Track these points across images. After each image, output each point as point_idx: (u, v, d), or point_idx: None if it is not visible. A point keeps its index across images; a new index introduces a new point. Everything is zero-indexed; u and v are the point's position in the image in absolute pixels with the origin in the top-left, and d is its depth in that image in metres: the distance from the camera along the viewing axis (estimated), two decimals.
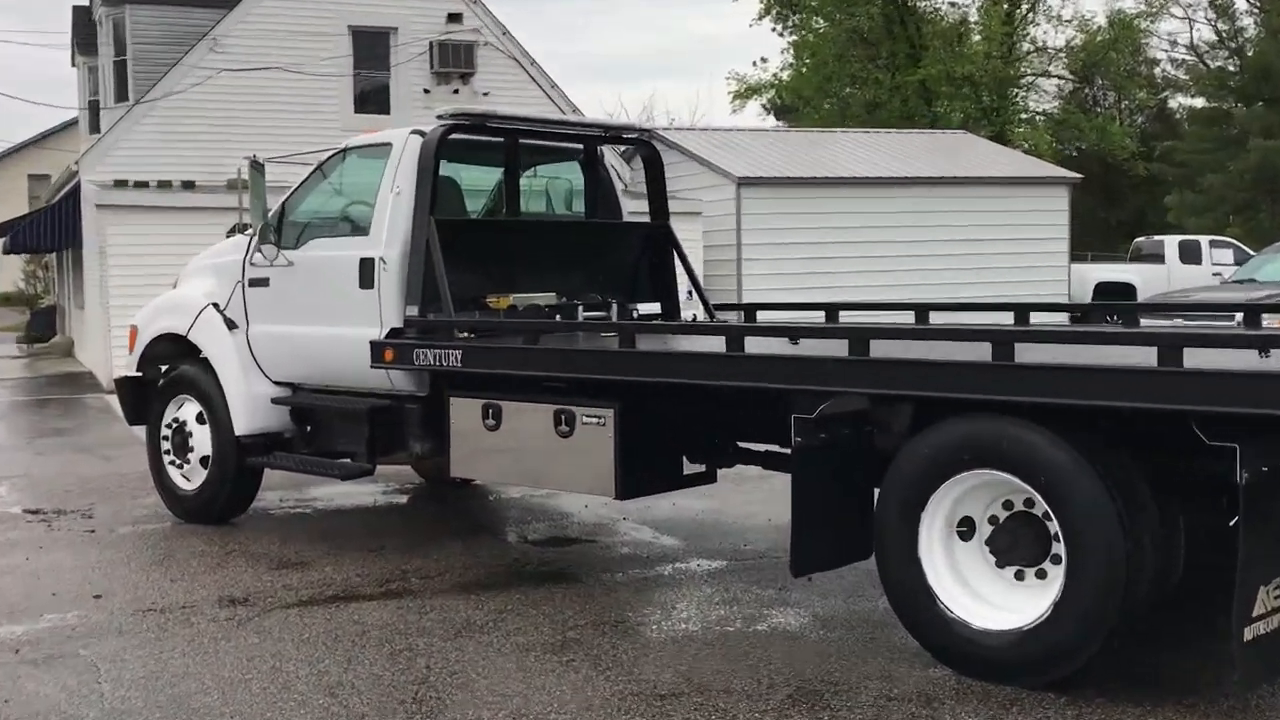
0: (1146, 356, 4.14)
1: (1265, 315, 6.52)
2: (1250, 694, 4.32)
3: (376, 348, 6.48)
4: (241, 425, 7.45)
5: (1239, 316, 7.11)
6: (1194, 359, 4.15)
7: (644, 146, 7.77)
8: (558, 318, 6.85)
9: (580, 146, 7.63)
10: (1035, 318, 6.72)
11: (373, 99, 19.26)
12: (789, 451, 5.00)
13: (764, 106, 42.31)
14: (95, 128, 20.79)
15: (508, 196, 7.39)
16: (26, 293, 34.67)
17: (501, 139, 7.22)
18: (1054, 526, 4.36)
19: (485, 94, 19.06)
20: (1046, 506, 4.35)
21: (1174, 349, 4.06)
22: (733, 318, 8.02)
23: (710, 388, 5.47)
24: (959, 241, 19.81)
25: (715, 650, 5.09)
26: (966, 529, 4.64)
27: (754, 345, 5.36)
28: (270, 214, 7.34)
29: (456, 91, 19.08)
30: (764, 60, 41.54)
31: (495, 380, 6.17)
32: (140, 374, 8.28)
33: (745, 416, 5.91)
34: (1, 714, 4.52)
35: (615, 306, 7.16)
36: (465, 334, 6.28)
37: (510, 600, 5.89)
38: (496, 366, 6.10)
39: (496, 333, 6.42)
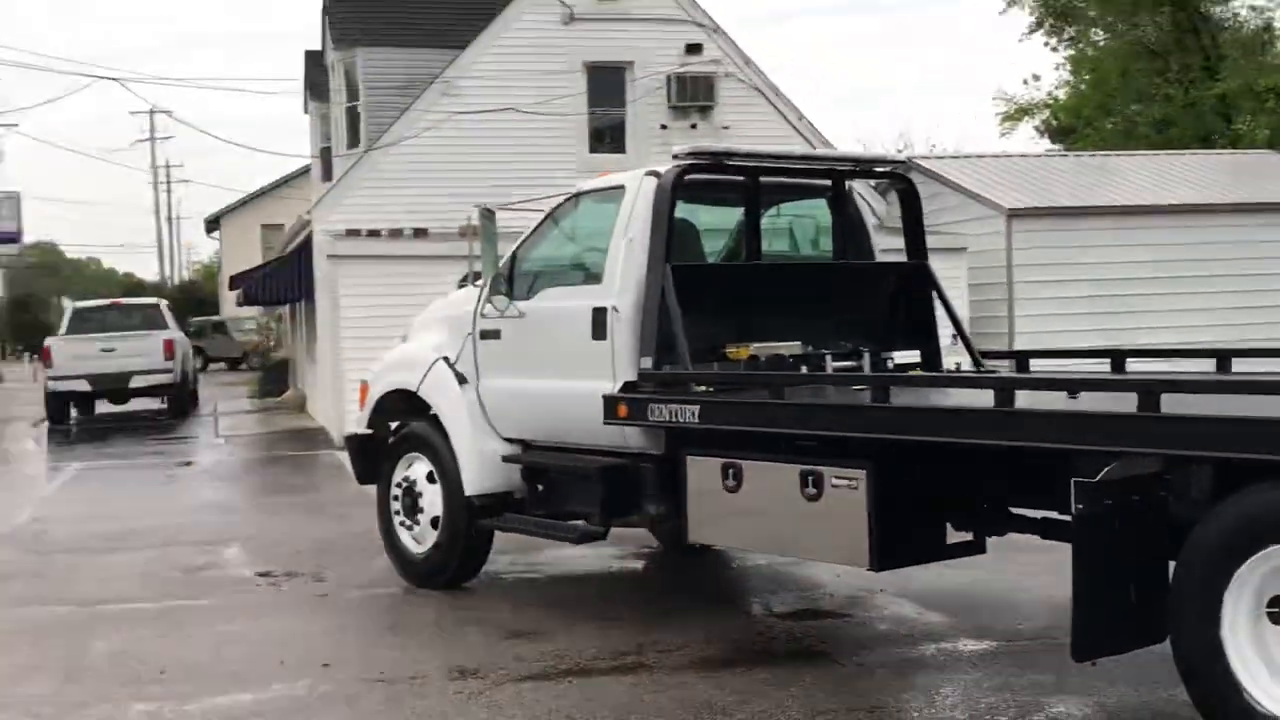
0: None
1: None
2: None
3: (609, 403, 7.28)
4: (472, 485, 8.32)
5: None
6: None
7: (899, 179, 8.43)
8: (803, 369, 7.45)
9: (828, 182, 8.30)
10: None
11: (608, 136, 20.38)
12: (1069, 519, 5.26)
13: (1037, 129, 42.48)
14: (327, 175, 23.92)
15: (748, 238, 8.13)
16: (261, 346, 40.56)
17: (741, 177, 7.95)
18: None
19: (725, 128, 20.18)
20: None
21: None
22: (1003, 367, 8.39)
23: (977, 447, 5.81)
24: (1273, 276, 19.99)
25: None
26: (1279, 610, 4.86)
27: (1027, 400, 5.68)
28: (501, 263, 8.23)
29: (694, 126, 20.09)
30: (1036, 78, 42.10)
31: (735, 438, 6.74)
32: (371, 431, 9.13)
33: (1018, 479, 6.23)
34: None
35: (868, 356, 7.71)
36: (703, 388, 6.99)
37: (754, 680, 6.35)
38: (736, 423, 6.69)
39: (737, 386, 7.09)
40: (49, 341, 25.16)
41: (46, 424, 24.01)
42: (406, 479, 8.89)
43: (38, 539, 11.65)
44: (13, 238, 41.06)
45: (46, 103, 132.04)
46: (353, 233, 19.36)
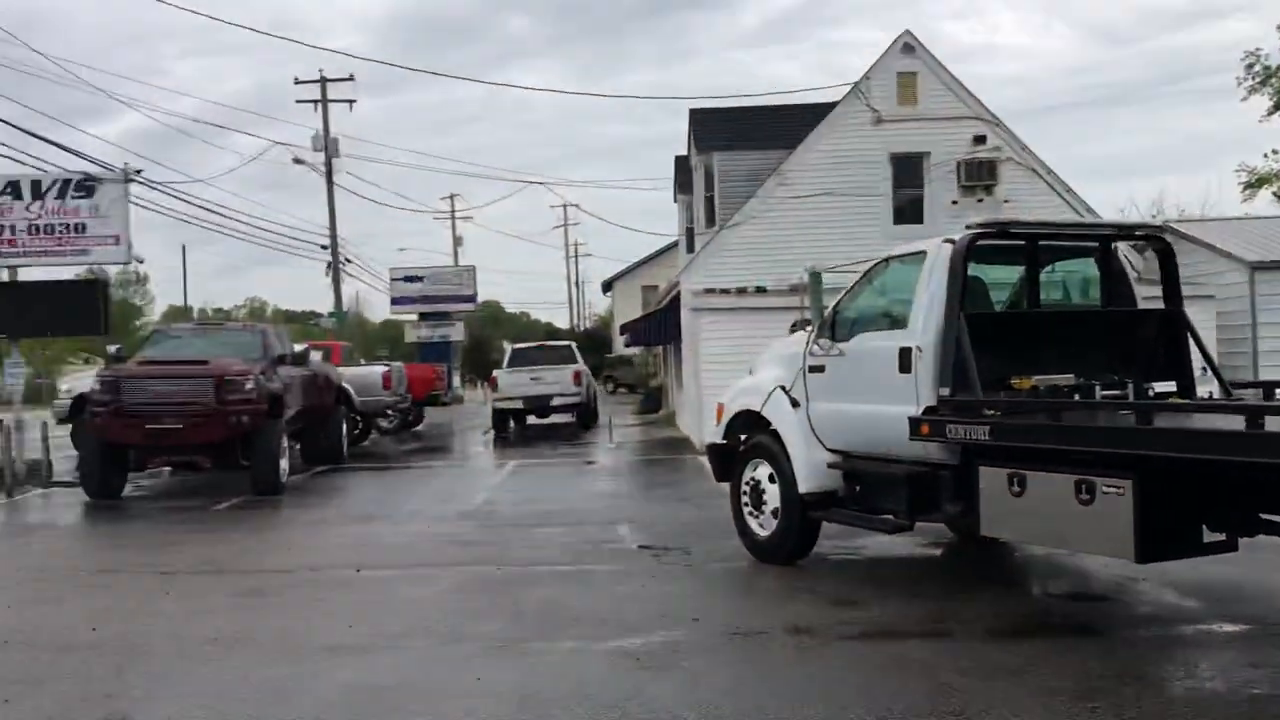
0: None
1: None
2: None
3: (914, 423, 7.10)
4: (804, 485, 8.39)
5: None
6: None
7: (1156, 241, 8.09)
8: (1077, 397, 7.05)
9: (1095, 244, 7.99)
10: None
11: (908, 212, 20.61)
12: None
13: (1275, 195, 39.51)
14: (690, 248, 24.70)
15: (1028, 290, 7.87)
16: (641, 374, 43.09)
17: (1022, 242, 7.73)
18: None
19: (1006, 201, 19.96)
20: None
21: None
22: (1250, 395, 7.82)
23: (1229, 463, 5.37)
24: None
25: (1240, 712, 5.02)
26: None
27: (1276, 424, 5.22)
28: (825, 313, 8.32)
29: (980, 201, 20.06)
30: (1275, 152, 38.21)
31: (1020, 452, 6.45)
32: (725, 441, 9.39)
33: (1267, 490, 5.75)
34: (624, 710, 5.31)
35: (1131, 385, 7.32)
36: (993, 412, 6.70)
37: (1037, 648, 6.08)
38: (1021, 440, 6.40)
39: (1021, 411, 6.76)
40: (495, 373, 26.53)
41: (493, 433, 25.06)
42: (753, 479, 8.92)
43: (489, 516, 12.18)
44: (471, 299, 44.55)
45: (493, 202, 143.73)
46: (710, 291, 19.63)
